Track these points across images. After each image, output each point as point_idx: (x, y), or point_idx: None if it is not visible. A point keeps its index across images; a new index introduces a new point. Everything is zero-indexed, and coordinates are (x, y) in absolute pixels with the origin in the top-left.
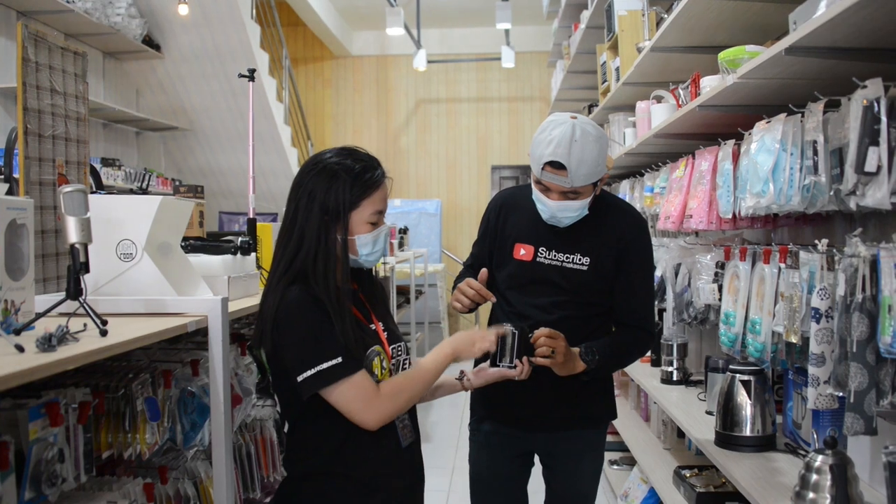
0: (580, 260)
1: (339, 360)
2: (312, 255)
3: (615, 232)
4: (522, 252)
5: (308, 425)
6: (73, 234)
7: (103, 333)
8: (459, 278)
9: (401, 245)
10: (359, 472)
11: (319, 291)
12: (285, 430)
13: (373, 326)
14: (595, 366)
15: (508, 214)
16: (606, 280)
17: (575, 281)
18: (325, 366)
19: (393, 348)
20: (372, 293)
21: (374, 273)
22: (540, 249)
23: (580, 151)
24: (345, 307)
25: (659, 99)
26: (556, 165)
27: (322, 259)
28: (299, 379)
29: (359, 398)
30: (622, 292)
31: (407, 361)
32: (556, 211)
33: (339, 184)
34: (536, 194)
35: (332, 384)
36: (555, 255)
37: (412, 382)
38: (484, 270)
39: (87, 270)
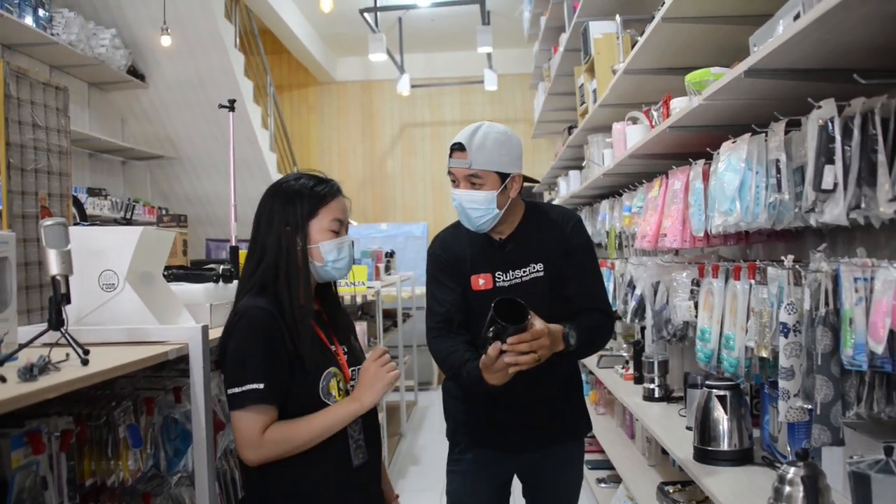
0: (535, 267)
1: (260, 385)
2: (275, 267)
3: (557, 232)
4: (482, 282)
5: None
6: (53, 267)
7: (84, 363)
8: (455, 363)
9: (387, 269)
10: (306, 491)
11: (283, 304)
12: None
13: (333, 348)
14: (573, 349)
15: (453, 251)
16: (562, 279)
17: (537, 292)
18: (238, 389)
19: (353, 370)
20: (335, 316)
21: (337, 297)
22: (497, 274)
23: (482, 138)
24: (305, 322)
25: (634, 120)
26: (457, 147)
27: (283, 270)
28: (228, 393)
29: (246, 433)
30: (574, 278)
31: None
32: (463, 200)
33: (297, 197)
34: (452, 193)
35: (239, 409)
36: (513, 275)
37: (304, 434)
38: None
39: (68, 301)
